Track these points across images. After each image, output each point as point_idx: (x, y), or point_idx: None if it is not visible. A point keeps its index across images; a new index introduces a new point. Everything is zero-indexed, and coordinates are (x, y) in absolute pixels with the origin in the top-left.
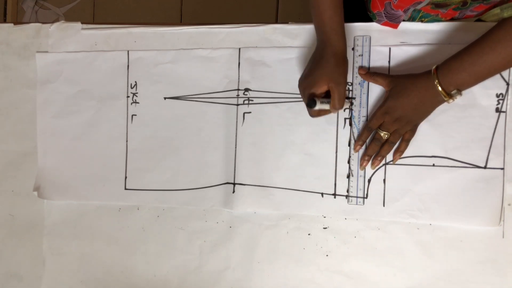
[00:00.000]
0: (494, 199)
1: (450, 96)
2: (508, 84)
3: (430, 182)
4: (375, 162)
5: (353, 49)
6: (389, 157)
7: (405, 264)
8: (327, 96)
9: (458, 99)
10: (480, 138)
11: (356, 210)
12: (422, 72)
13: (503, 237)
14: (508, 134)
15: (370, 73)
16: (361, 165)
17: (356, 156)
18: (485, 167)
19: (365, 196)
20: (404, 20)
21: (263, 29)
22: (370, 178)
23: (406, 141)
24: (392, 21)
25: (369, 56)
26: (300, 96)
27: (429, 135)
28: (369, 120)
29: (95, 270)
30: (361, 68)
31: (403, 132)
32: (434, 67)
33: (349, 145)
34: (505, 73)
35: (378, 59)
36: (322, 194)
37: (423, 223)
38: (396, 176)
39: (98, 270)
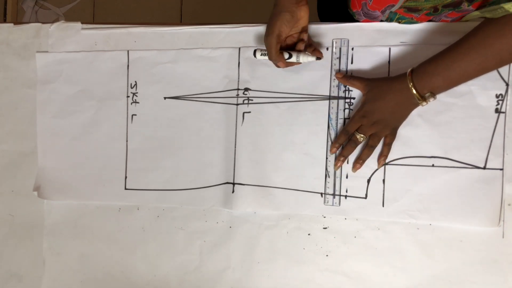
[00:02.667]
0: (493, 200)
1: (424, 99)
2: (507, 85)
3: (430, 182)
4: (356, 165)
5: (327, 49)
6: (389, 157)
7: (405, 264)
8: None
9: (458, 100)
10: (480, 138)
11: (356, 210)
12: (398, 74)
13: (503, 237)
14: (508, 135)
15: (347, 77)
16: (335, 165)
17: (333, 158)
18: (484, 168)
19: (364, 196)
20: (382, 21)
21: (263, 29)
22: (370, 178)
23: (387, 145)
24: (371, 20)
25: (347, 58)
26: (299, 96)
27: (428, 135)
28: (347, 123)
29: (95, 270)
30: (337, 72)
31: (382, 135)
32: (409, 70)
33: (327, 146)
34: (504, 74)
35: (378, 59)
36: (321, 194)
37: (423, 223)
38: (395, 176)
39: (98, 270)
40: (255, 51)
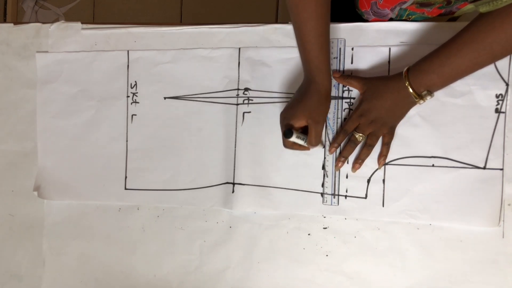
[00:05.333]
0: (493, 200)
1: (421, 97)
2: (507, 85)
3: (430, 182)
4: (355, 165)
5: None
6: (389, 157)
7: (405, 264)
8: (305, 132)
9: (458, 100)
10: (480, 138)
11: (356, 210)
12: (395, 74)
13: (503, 237)
14: (508, 135)
15: (344, 76)
16: (336, 165)
17: (331, 158)
18: (484, 168)
19: (364, 196)
20: (392, 18)
21: (263, 29)
22: (370, 178)
23: (386, 145)
24: (380, 18)
25: (344, 58)
26: None
27: (428, 135)
28: (344, 123)
29: (95, 270)
30: (335, 71)
31: (380, 135)
32: (405, 68)
33: (324, 146)
34: (504, 74)
35: (378, 59)
36: (321, 194)
37: (423, 223)
38: (395, 176)
39: (98, 270)
40: (289, 131)
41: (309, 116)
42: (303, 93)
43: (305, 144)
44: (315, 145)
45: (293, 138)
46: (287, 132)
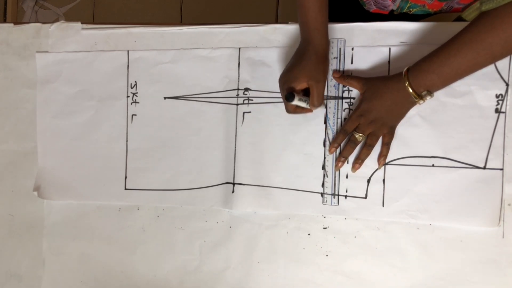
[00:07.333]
0: (493, 200)
1: (421, 97)
2: (507, 85)
3: (430, 182)
4: (355, 165)
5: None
6: (389, 157)
7: (405, 264)
8: (306, 94)
9: (458, 100)
10: (480, 138)
11: (356, 210)
12: (395, 74)
13: (503, 237)
14: (508, 135)
15: (344, 76)
16: (336, 166)
17: (331, 158)
18: (484, 168)
19: (364, 196)
20: (392, 10)
21: (263, 29)
22: (370, 178)
23: (386, 145)
24: (382, 9)
25: (344, 58)
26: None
27: (428, 135)
28: (344, 123)
29: (95, 270)
30: (335, 71)
31: (380, 135)
32: (405, 68)
33: (324, 146)
34: (504, 74)
35: (378, 59)
36: (321, 194)
37: (423, 223)
38: (395, 176)
39: (98, 270)
40: (291, 94)
41: (309, 77)
42: (300, 55)
43: (308, 106)
44: (318, 105)
45: (295, 101)
46: (288, 96)
